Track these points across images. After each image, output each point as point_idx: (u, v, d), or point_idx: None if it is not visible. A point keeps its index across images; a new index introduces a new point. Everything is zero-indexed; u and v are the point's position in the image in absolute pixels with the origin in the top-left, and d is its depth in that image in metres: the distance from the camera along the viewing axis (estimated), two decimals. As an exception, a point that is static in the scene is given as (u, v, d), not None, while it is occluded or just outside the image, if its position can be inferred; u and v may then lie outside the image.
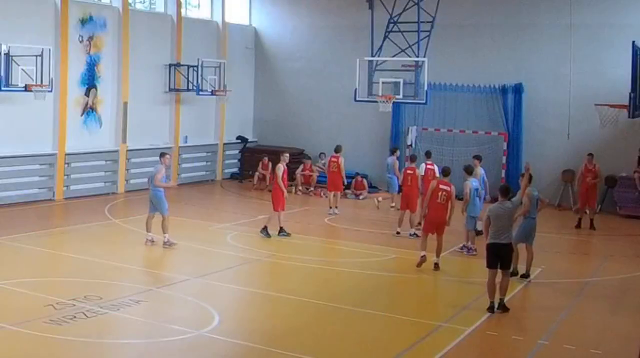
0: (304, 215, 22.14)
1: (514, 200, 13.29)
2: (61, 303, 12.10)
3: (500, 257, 12.97)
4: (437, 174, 18.97)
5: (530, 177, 14.35)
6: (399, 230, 19.26)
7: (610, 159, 23.56)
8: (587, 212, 21.40)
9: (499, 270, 13.02)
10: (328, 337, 11.52)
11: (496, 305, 12.89)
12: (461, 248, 17.42)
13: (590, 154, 21.77)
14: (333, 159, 22.13)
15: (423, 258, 15.60)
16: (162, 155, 17.44)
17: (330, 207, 21.97)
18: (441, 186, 15.91)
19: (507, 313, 12.87)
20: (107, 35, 24.10)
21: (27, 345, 10.49)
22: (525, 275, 15.13)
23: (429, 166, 20.28)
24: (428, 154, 21.08)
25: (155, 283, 13.92)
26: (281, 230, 18.33)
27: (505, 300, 13.03)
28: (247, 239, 18.15)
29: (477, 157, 19.55)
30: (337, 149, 22.23)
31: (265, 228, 18.24)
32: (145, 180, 25.03)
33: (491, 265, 13.02)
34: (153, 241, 16.81)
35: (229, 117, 29.01)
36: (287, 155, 18.87)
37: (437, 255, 15.68)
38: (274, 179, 18.82)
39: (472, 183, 17.23)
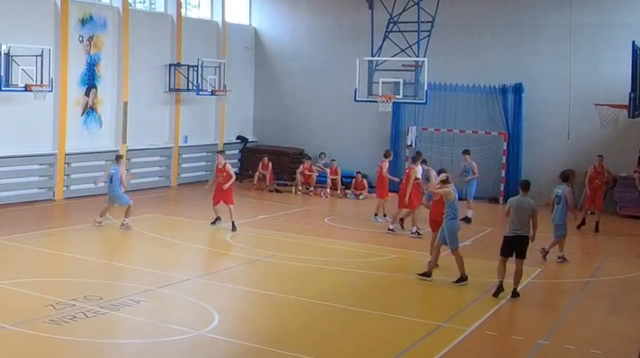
0: (304, 215, 22.14)
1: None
2: (61, 303, 12.09)
3: (516, 248, 13.62)
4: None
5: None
6: (391, 226, 19.37)
7: (610, 159, 23.49)
8: (594, 213, 21.27)
9: (515, 259, 13.70)
10: (328, 337, 11.51)
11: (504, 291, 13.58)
12: (558, 258, 16.64)
13: (600, 156, 21.73)
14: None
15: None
16: (121, 157, 19.36)
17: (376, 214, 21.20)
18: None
19: (507, 313, 12.99)
20: (107, 35, 24.09)
21: (27, 345, 10.49)
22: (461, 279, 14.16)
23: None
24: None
25: (155, 283, 13.90)
26: (232, 224, 18.84)
27: (507, 296, 13.58)
28: (247, 239, 18.16)
29: (466, 152, 21.76)
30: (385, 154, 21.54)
31: (232, 224, 18.80)
32: (145, 180, 25.30)
33: (505, 254, 13.72)
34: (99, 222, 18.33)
35: (229, 117, 29.01)
36: (219, 155, 19.60)
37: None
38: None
39: (557, 189, 16.79)
